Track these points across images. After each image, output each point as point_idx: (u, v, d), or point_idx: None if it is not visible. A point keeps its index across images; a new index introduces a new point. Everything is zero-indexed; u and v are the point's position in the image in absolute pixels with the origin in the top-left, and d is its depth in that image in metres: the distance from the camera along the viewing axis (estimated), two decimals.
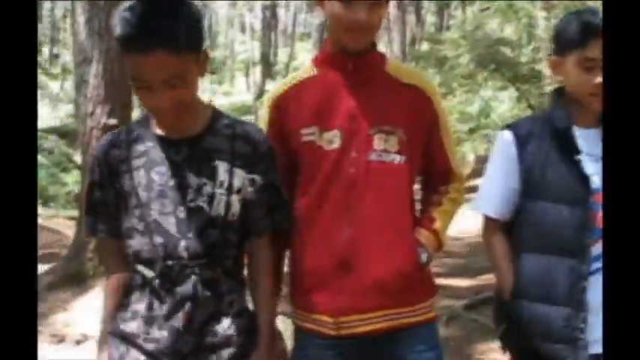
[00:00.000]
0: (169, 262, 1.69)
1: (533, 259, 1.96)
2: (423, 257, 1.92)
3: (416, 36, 24.02)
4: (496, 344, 2.24)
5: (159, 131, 1.76)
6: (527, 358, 1.98)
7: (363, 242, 1.85)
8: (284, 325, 2.06)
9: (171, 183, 1.72)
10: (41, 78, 33.48)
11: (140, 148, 1.76)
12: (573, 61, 1.92)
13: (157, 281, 1.72)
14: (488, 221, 2.07)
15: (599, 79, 1.84)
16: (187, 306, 1.69)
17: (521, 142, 1.99)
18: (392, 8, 15.02)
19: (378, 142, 1.88)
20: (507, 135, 2.02)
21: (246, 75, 29.37)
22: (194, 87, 1.69)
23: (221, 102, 28.46)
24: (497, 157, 2.07)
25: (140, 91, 1.63)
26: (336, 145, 1.87)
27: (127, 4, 1.56)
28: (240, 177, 1.75)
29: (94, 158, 1.85)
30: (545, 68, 11.06)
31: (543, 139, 1.98)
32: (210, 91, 28.69)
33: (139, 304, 1.75)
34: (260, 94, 26.45)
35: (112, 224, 1.82)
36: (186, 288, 1.70)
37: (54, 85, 33.09)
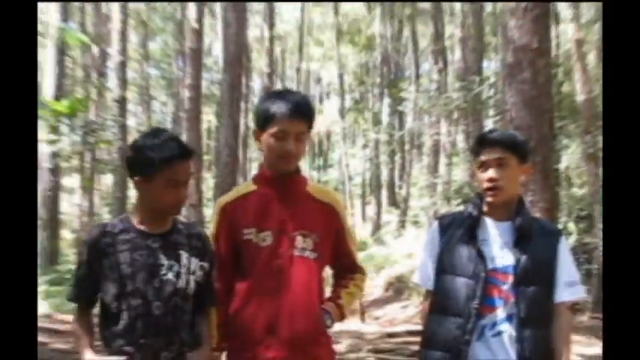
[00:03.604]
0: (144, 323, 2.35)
1: (435, 317, 2.63)
2: (329, 322, 2.58)
3: None
4: None
5: (141, 227, 2.46)
6: None
7: (286, 312, 2.50)
8: None
9: (151, 262, 2.40)
10: None
11: (124, 237, 2.44)
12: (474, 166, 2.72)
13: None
14: (425, 290, 2.76)
15: (486, 176, 2.58)
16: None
17: (443, 229, 2.70)
18: None
19: (299, 242, 2.55)
20: (435, 224, 2.77)
21: None
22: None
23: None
24: (427, 241, 2.76)
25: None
26: (269, 242, 2.54)
27: None
28: (195, 263, 2.48)
29: (84, 244, 2.47)
30: None
31: (458, 227, 2.65)
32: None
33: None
34: None
35: (88, 295, 2.47)
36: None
37: None
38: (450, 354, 2.52)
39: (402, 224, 23.39)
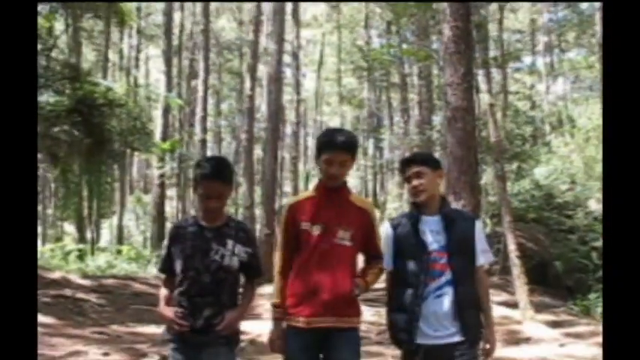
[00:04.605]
0: (196, 288, 2.32)
1: (397, 289, 2.47)
2: (357, 291, 2.37)
3: None
4: None
5: (202, 222, 2.38)
6: (396, 343, 2.50)
7: (326, 281, 2.34)
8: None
9: (205, 247, 2.34)
10: None
11: (191, 229, 2.39)
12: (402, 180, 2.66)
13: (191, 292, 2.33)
14: (386, 270, 2.52)
15: (411, 185, 2.48)
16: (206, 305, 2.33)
17: (393, 228, 2.50)
18: None
19: (339, 233, 2.37)
20: (387, 225, 2.53)
21: None
22: (225, 203, 2.43)
23: None
24: (383, 237, 2.50)
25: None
26: (319, 232, 2.37)
27: None
28: (240, 249, 2.37)
29: (167, 235, 2.48)
30: None
31: (405, 225, 2.48)
32: None
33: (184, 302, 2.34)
34: None
35: (169, 267, 2.41)
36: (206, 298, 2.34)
37: None
38: (407, 313, 2.39)
39: (381, 219, 23.35)
